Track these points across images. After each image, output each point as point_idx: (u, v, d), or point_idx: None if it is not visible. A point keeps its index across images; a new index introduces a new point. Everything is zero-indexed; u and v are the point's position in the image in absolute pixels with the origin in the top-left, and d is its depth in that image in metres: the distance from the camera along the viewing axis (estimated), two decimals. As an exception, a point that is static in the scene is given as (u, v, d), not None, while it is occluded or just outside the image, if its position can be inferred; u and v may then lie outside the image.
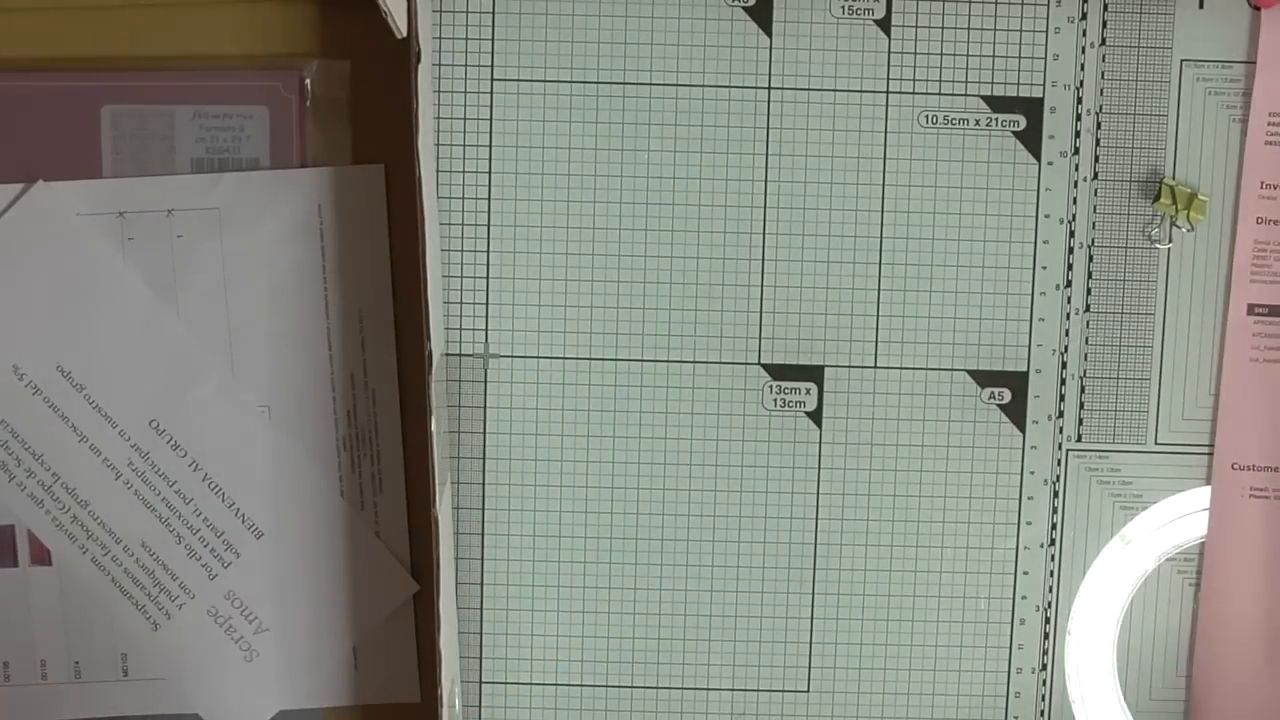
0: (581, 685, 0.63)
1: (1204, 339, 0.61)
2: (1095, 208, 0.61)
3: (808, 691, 0.63)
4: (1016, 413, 0.62)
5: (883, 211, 0.61)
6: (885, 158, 0.61)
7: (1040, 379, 0.61)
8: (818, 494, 0.62)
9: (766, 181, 0.61)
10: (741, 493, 0.62)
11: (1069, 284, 0.61)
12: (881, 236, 0.61)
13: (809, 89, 0.60)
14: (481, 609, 0.62)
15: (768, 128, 0.60)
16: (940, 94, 0.60)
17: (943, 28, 0.60)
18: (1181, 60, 0.60)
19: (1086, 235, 0.61)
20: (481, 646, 0.62)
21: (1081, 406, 0.62)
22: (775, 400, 0.62)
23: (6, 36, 0.59)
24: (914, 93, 0.60)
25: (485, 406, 0.61)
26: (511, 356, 0.61)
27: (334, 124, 0.60)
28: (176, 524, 0.61)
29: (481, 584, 0.62)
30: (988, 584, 0.62)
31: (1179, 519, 0.62)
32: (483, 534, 0.62)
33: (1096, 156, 0.61)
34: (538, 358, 0.61)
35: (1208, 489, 0.61)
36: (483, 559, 0.62)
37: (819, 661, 0.63)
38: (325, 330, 0.60)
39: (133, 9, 0.59)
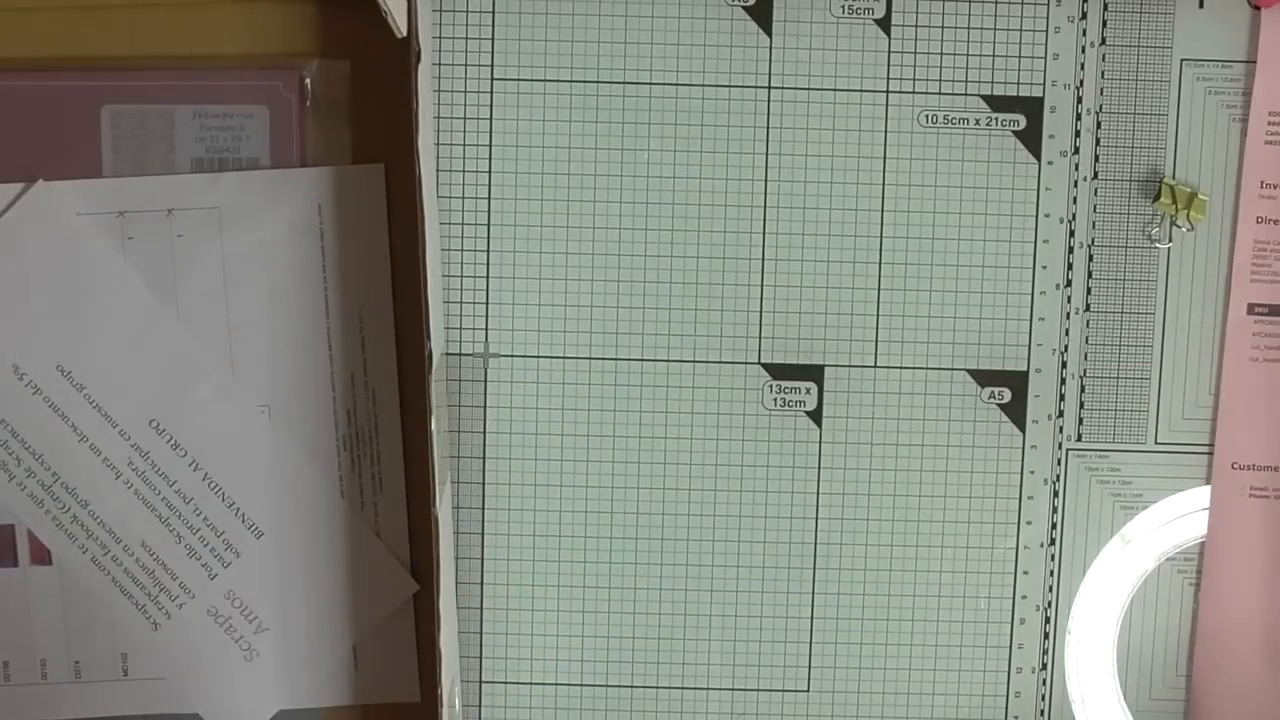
0: (581, 685, 0.63)
1: (1204, 338, 0.61)
2: (1095, 207, 0.61)
3: (808, 691, 0.63)
4: (1016, 412, 0.62)
5: (883, 211, 0.61)
6: (885, 157, 0.61)
7: (1040, 378, 0.61)
8: (818, 494, 0.62)
9: (766, 181, 0.61)
10: (741, 493, 0.62)
11: (1069, 283, 0.61)
12: (881, 236, 0.61)
13: (809, 89, 0.60)
14: (481, 609, 0.62)
15: (768, 127, 0.60)
16: (940, 94, 0.60)
17: (943, 27, 0.60)
18: (1181, 60, 0.60)
19: (1086, 235, 0.61)
20: (481, 646, 0.62)
21: (1081, 406, 0.62)
22: (775, 400, 0.62)
23: (6, 36, 0.59)
24: (914, 92, 0.60)
25: (485, 406, 0.61)
26: (511, 356, 0.61)
27: (334, 124, 0.60)
28: (176, 524, 0.61)
29: (481, 584, 0.62)
30: (988, 584, 0.62)
31: (1179, 519, 0.62)
32: (483, 534, 0.62)
33: (1096, 156, 0.61)
34: (538, 357, 0.61)
35: (1208, 489, 0.61)
36: (483, 559, 0.62)
37: (819, 661, 0.63)
38: (325, 330, 0.60)
39: (133, 9, 0.59)
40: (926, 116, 0.60)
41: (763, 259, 0.61)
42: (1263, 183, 0.60)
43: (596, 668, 0.63)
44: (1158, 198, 0.60)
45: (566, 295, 0.61)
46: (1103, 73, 0.60)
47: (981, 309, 0.61)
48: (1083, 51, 0.60)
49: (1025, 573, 0.62)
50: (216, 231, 0.60)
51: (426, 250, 0.57)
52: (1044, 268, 0.61)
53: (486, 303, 0.61)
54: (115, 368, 0.60)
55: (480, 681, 0.63)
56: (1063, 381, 0.61)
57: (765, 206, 0.61)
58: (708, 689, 0.63)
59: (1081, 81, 0.60)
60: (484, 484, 0.62)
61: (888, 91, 0.60)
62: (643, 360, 0.61)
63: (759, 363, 0.61)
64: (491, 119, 0.60)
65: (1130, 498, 0.62)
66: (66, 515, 0.60)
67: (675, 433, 0.62)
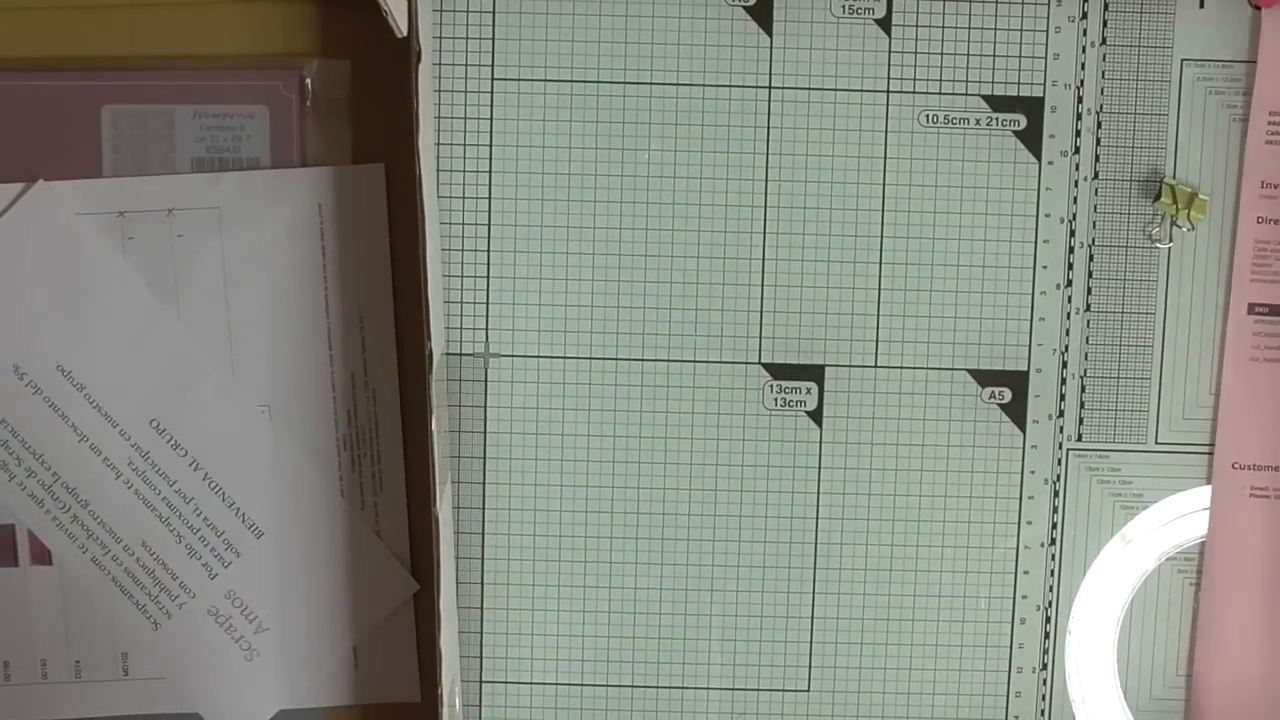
0: (581, 685, 0.63)
1: (1204, 338, 0.61)
2: (1096, 207, 0.61)
3: (808, 691, 0.63)
4: (1017, 412, 0.62)
5: (883, 211, 0.61)
6: (885, 157, 0.61)
7: (1041, 378, 0.61)
8: (818, 494, 0.62)
9: (767, 181, 0.61)
10: (741, 493, 0.62)
11: (1069, 283, 0.61)
12: (882, 236, 0.61)
13: (809, 89, 0.60)
14: (481, 608, 0.62)
15: (768, 127, 0.60)
16: (941, 93, 0.60)
17: (943, 27, 0.60)
18: (1182, 60, 0.60)
19: (1087, 235, 0.61)
20: (481, 646, 0.62)
21: (1082, 406, 0.62)
22: (776, 400, 0.62)
23: (6, 36, 0.59)
24: (914, 92, 0.60)
25: (485, 406, 0.61)
26: (512, 356, 0.61)
27: (334, 123, 0.60)
28: (177, 523, 0.61)
29: (482, 583, 0.62)
30: (988, 583, 0.62)
31: (1179, 519, 0.62)
32: (483, 533, 0.62)
33: (1097, 156, 0.61)
34: (538, 357, 0.61)
35: (1208, 488, 0.61)
36: (483, 558, 0.62)
37: (819, 661, 0.63)
38: (325, 330, 0.60)
39: (133, 9, 0.59)
40: (927, 116, 0.60)
41: (763, 259, 0.61)
42: (1263, 183, 0.60)
43: (596, 668, 0.63)
44: (1158, 197, 0.60)
45: (566, 295, 0.61)
46: (1103, 73, 0.60)
47: (982, 309, 0.61)
48: (1083, 51, 0.60)
49: (1026, 573, 0.62)
50: (217, 231, 0.60)
51: (427, 250, 0.57)
52: (1044, 268, 0.61)
53: (487, 303, 0.61)
54: (115, 368, 0.60)
55: (480, 681, 0.63)
56: (1063, 381, 0.61)
57: (765, 206, 0.61)
58: (708, 689, 0.63)
59: (1082, 81, 0.60)
60: (484, 484, 0.62)
61: (888, 91, 0.60)
62: (643, 360, 0.61)
63: (759, 363, 0.61)
64: (492, 119, 0.60)
65: (1130, 498, 0.62)
66: (66, 515, 0.60)
67: (675, 433, 0.62)
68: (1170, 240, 0.61)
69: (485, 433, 0.61)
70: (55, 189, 0.59)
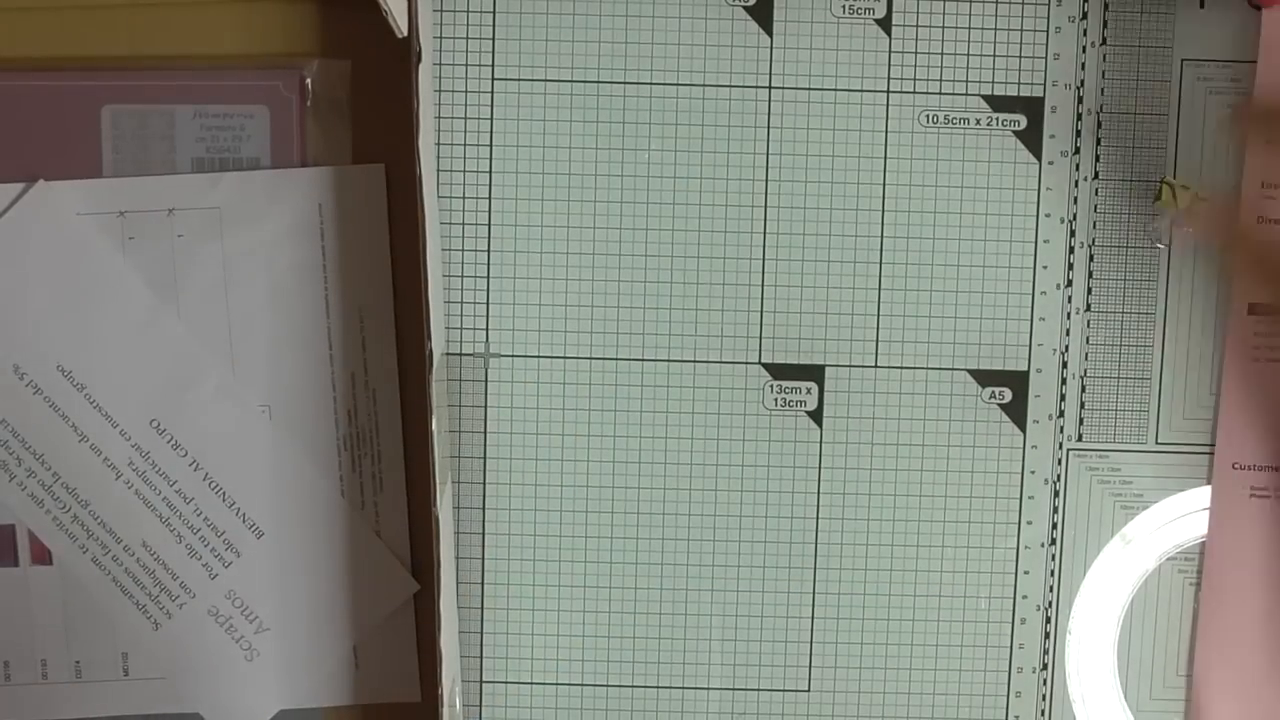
0: (581, 685, 0.63)
1: (1204, 338, 0.61)
2: (1096, 207, 0.61)
3: (808, 691, 0.63)
4: (1017, 412, 0.62)
5: (883, 211, 0.61)
6: (885, 157, 0.61)
7: (1041, 378, 0.61)
8: (818, 494, 0.62)
9: (767, 181, 0.61)
10: (741, 493, 0.62)
11: (1070, 283, 0.61)
12: (882, 236, 0.61)
13: (809, 89, 0.60)
14: (482, 609, 0.62)
15: (768, 127, 0.60)
16: (941, 94, 0.60)
17: (943, 27, 0.60)
18: (1182, 60, 0.60)
19: (1087, 235, 0.61)
20: (482, 646, 0.62)
21: (1082, 406, 0.62)
22: (775, 400, 0.62)
23: (6, 36, 0.59)
24: (914, 92, 0.60)
25: (486, 406, 0.61)
26: (512, 356, 0.61)
27: (334, 123, 0.60)
28: (177, 523, 0.61)
29: (482, 584, 0.62)
30: (988, 584, 0.62)
31: (1179, 519, 0.62)
32: (483, 534, 0.62)
33: (1097, 156, 0.61)
34: (538, 357, 0.61)
35: (1208, 489, 0.61)
36: (483, 558, 0.62)
37: (819, 661, 0.63)
38: (325, 330, 0.60)
39: (133, 9, 0.59)
40: (927, 116, 0.60)
41: (763, 259, 0.61)
42: (1263, 183, 0.60)
43: (596, 668, 0.63)
44: (1158, 197, 0.60)
45: (566, 295, 0.61)
46: (1103, 73, 0.60)
47: (982, 309, 0.61)
48: (1083, 51, 0.60)
49: (1026, 573, 0.62)
50: (217, 231, 0.60)
51: (427, 250, 0.57)
52: (1044, 268, 0.61)
53: (487, 303, 0.61)
54: (115, 368, 0.60)
55: (480, 681, 0.63)
56: (1063, 381, 0.61)
57: (765, 206, 0.61)
58: (708, 689, 0.63)
59: (1082, 82, 0.60)
60: (484, 484, 0.62)
61: (888, 91, 0.60)
62: (643, 360, 0.61)
63: (759, 363, 0.61)
64: (492, 119, 0.60)
65: (1131, 498, 0.62)
66: (66, 515, 0.60)
67: (675, 433, 0.62)
68: (1170, 240, 0.61)
69: (485, 433, 0.61)
70: (55, 189, 0.59)
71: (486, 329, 0.61)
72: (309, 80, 0.59)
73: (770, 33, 0.60)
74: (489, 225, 0.61)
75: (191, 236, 0.60)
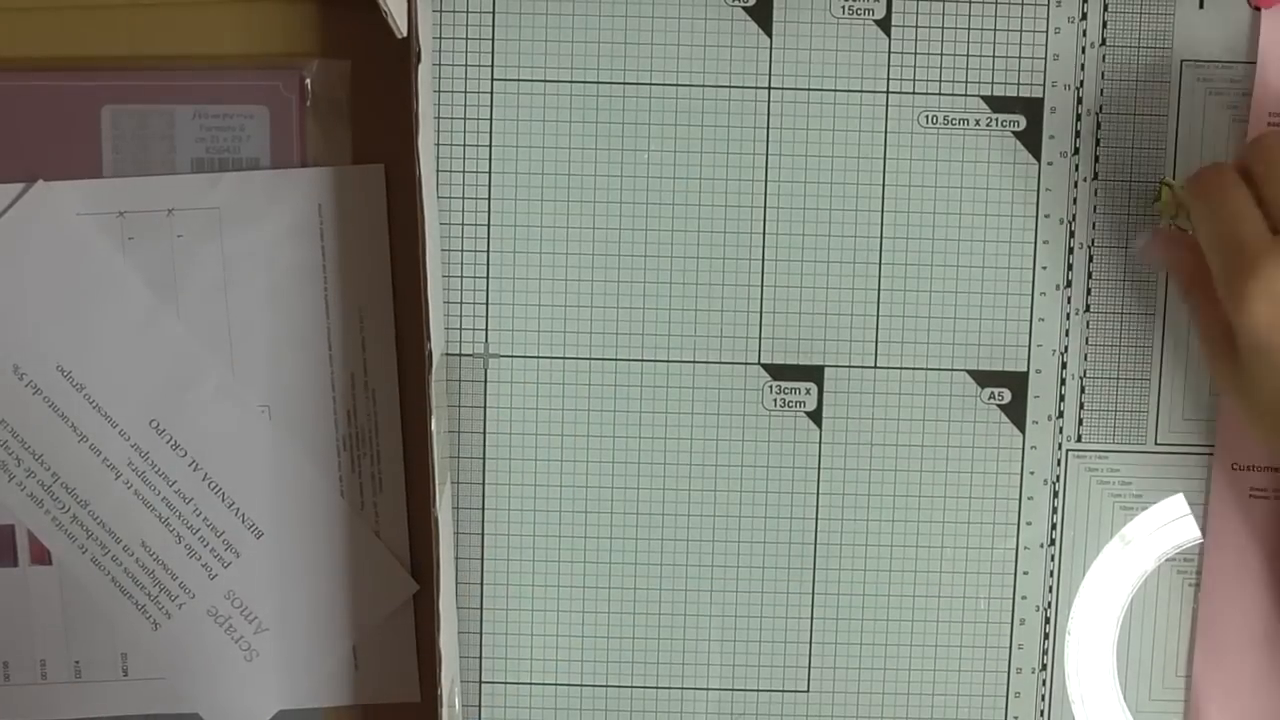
0: (581, 685, 0.63)
1: (1204, 339, 0.61)
2: (1095, 208, 0.61)
3: (808, 691, 0.63)
4: (1016, 413, 0.62)
5: (883, 211, 0.61)
6: (885, 158, 0.61)
7: (1040, 379, 0.61)
8: (818, 494, 0.62)
9: (766, 181, 0.61)
10: (741, 493, 0.62)
11: (1069, 284, 0.61)
12: (881, 236, 0.61)
13: (809, 89, 0.60)
14: (481, 609, 0.62)
15: (768, 128, 0.60)
16: (940, 94, 0.60)
17: (943, 28, 0.60)
18: (1181, 60, 0.60)
19: (1086, 235, 0.61)
20: (481, 646, 0.62)
21: (1081, 406, 0.62)
22: (775, 400, 0.62)
23: (6, 36, 0.59)
24: (914, 93, 0.60)
25: (485, 406, 0.61)
26: (511, 356, 0.61)
27: (334, 124, 0.60)
28: (176, 524, 0.61)
29: (481, 584, 0.62)
30: (988, 584, 0.62)
31: (1178, 519, 0.62)
32: (483, 534, 0.62)
33: (1096, 156, 0.61)
34: (538, 358, 0.61)
35: (1207, 490, 0.61)
36: (483, 559, 0.62)
37: (819, 661, 0.63)
38: (325, 330, 0.60)
39: (133, 9, 0.59)
40: (926, 117, 0.60)
41: (763, 259, 0.61)
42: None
43: (596, 668, 0.63)
44: (1158, 198, 0.60)
45: (566, 295, 0.61)
46: (1103, 73, 0.60)
47: (981, 309, 0.61)
48: (1083, 52, 0.60)
49: (1025, 573, 0.62)
50: (216, 231, 0.60)
51: (426, 250, 0.57)
52: (1044, 268, 0.61)
53: (486, 303, 0.61)
54: (115, 368, 0.60)
55: (480, 681, 0.63)
56: (1063, 382, 0.61)
57: (765, 206, 0.61)
58: (707, 689, 0.63)
59: (1082, 82, 0.60)
60: (484, 484, 0.62)
61: (888, 92, 0.60)
62: (643, 360, 0.61)
63: (759, 363, 0.61)
64: (491, 119, 0.60)
65: (1130, 498, 0.62)
66: (66, 515, 0.60)
67: (675, 433, 0.62)
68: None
69: (485, 433, 0.61)
70: (55, 189, 0.59)
71: (486, 329, 0.61)
72: (309, 80, 0.59)
73: (770, 33, 0.60)
74: (489, 225, 0.61)
75: (191, 237, 0.60)
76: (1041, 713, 0.63)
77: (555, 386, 0.61)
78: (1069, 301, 0.61)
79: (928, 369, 0.61)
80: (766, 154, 0.61)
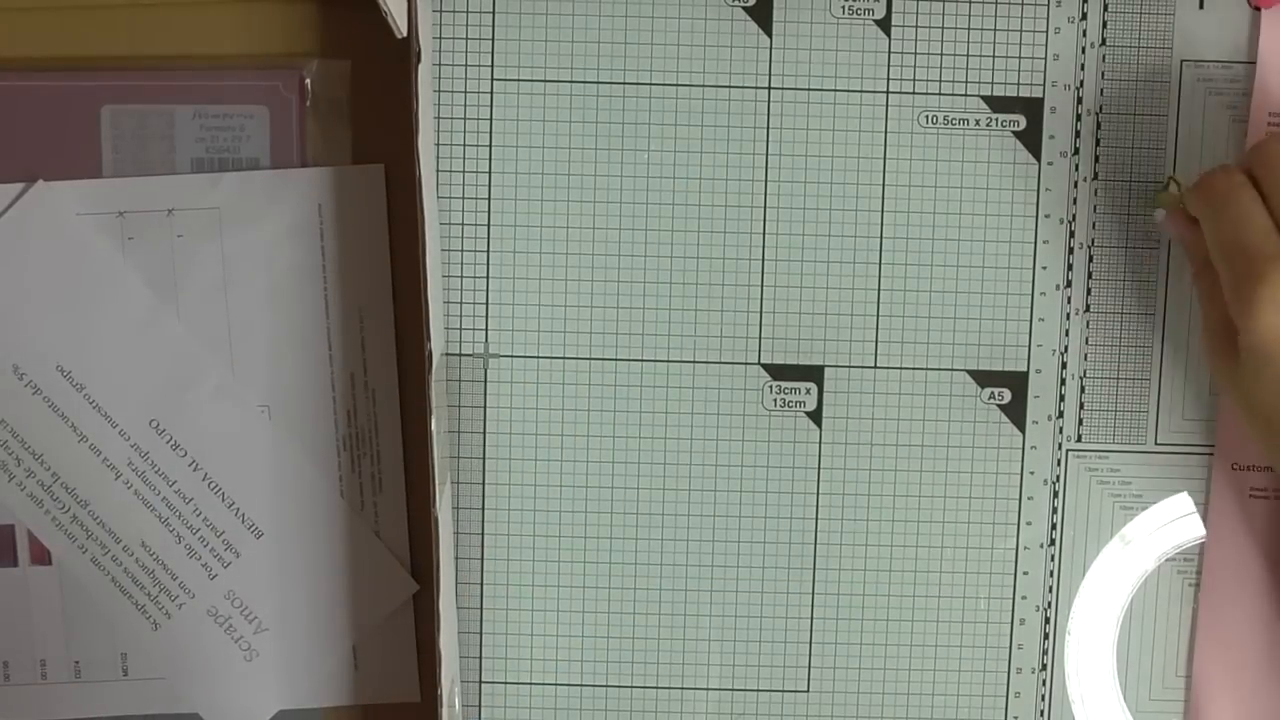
0: (581, 685, 0.63)
1: (1204, 339, 0.61)
2: (1095, 208, 0.61)
3: (808, 691, 0.63)
4: (1016, 413, 0.62)
5: (883, 211, 0.61)
6: (885, 158, 0.61)
7: (1040, 379, 0.61)
8: (818, 494, 0.62)
9: (766, 181, 0.61)
10: (741, 493, 0.62)
11: (1069, 284, 0.61)
12: (881, 236, 0.61)
13: (809, 89, 0.60)
14: (481, 609, 0.62)
15: (768, 128, 0.60)
16: (940, 94, 0.60)
17: (943, 28, 0.60)
18: (1181, 60, 0.60)
19: (1086, 235, 0.61)
20: (481, 646, 0.62)
21: (1081, 406, 0.62)
22: (775, 400, 0.62)
23: (6, 36, 0.59)
24: (914, 93, 0.60)
25: (485, 406, 0.61)
26: (511, 356, 0.61)
27: (334, 124, 0.60)
28: (176, 524, 0.61)
29: (481, 584, 0.62)
30: (988, 584, 0.62)
31: (1179, 519, 0.62)
32: (483, 534, 0.62)
33: (1096, 156, 0.61)
34: (538, 357, 0.61)
35: (1208, 489, 0.61)
36: (483, 559, 0.62)
37: (819, 661, 0.63)
38: (325, 330, 0.60)
39: (133, 9, 0.59)
40: (926, 117, 0.60)
41: (763, 259, 0.61)
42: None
43: (596, 668, 0.63)
44: (1165, 188, 0.59)
45: (566, 295, 0.61)
46: (1103, 73, 0.60)
47: (981, 309, 0.61)
48: (1083, 52, 0.60)
49: (1025, 573, 0.62)
50: (216, 231, 0.60)
51: (426, 250, 0.57)
52: (1044, 268, 0.61)
53: (486, 303, 0.61)
54: (115, 368, 0.60)
55: (480, 681, 0.63)
56: (1063, 382, 0.61)
57: (765, 206, 0.61)
58: (707, 689, 0.63)
59: (1082, 82, 0.60)
60: (484, 484, 0.62)
61: (888, 92, 0.60)
62: (643, 360, 0.61)
63: (759, 363, 0.61)
64: (491, 119, 0.60)
65: (1130, 498, 0.62)
66: (66, 515, 0.60)
67: (675, 433, 0.62)
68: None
69: (485, 433, 0.61)
70: (55, 189, 0.59)
71: (486, 329, 0.61)
72: (309, 80, 0.59)
73: (770, 33, 0.60)
74: (488, 225, 0.61)
75: (191, 236, 0.60)
76: (1041, 713, 0.63)
77: (555, 386, 0.61)
78: (1069, 301, 0.61)
79: (928, 369, 0.61)
80: (766, 154, 0.61)
